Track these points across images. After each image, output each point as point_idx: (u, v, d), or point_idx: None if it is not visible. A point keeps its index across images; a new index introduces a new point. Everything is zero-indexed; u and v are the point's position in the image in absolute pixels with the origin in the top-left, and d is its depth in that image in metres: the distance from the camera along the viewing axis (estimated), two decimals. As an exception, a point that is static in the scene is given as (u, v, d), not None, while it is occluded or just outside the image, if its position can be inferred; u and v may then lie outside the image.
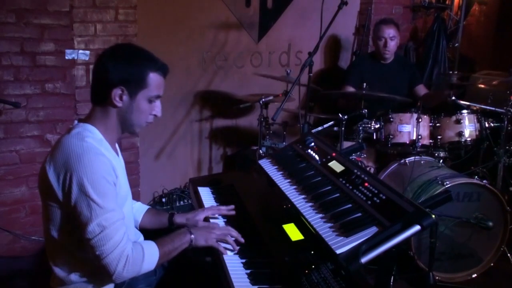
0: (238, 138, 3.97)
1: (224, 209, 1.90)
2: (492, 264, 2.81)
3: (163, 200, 3.46)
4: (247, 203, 1.97)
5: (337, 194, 1.70)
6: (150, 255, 1.49)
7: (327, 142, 2.13)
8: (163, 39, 3.41)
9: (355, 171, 1.77)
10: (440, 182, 2.71)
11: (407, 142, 3.05)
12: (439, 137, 3.07)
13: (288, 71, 3.30)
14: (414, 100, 3.39)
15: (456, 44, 4.29)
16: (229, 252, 1.62)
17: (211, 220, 1.85)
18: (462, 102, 3.17)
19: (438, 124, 3.08)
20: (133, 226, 1.79)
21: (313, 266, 1.42)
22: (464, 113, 3.08)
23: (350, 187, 1.69)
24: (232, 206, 1.91)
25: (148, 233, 1.81)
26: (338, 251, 1.40)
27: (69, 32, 2.94)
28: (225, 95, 3.82)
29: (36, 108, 2.93)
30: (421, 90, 3.62)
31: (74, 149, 1.42)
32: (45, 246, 1.59)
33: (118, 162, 1.60)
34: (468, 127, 3.07)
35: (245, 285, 1.43)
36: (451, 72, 3.54)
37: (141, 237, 1.79)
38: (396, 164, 3.10)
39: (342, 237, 1.45)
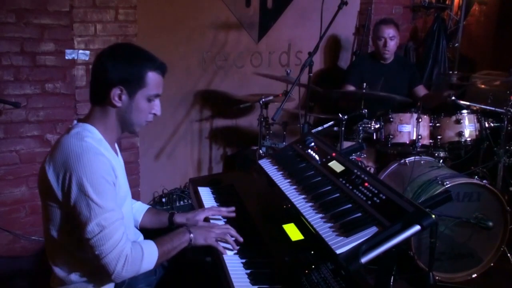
0: (238, 138, 3.97)
1: (225, 210, 1.89)
2: (492, 264, 2.81)
3: (163, 200, 3.46)
4: (247, 203, 1.97)
5: (337, 194, 1.70)
6: (149, 255, 1.50)
7: (327, 142, 2.13)
8: (163, 39, 3.41)
9: (355, 171, 1.77)
10: (440, 182, 2.71)
11: (407, 142, 3.05)
12: (439, 137, 3.07)
13: (288, 71, 3.30)
14: (414, 101, 3.39)
15: (456, 44, 4.29)
16: (229, 252, 1.62)
17: (212, 221, 1.85)
18: (462, 102, 3.17)
19: (438, 124, 3.08)
20: (133, 226, 1.79)
21: (313, 266, 1.42)
22: (464, 113, 3.08)
23: (350, 187, 1.69)
24: (233, 208, 1.90)
25: (148, 232, 1.81)
26: (338, 251, 1.40)
27: (69, 32, 2.94)
28: (225, 95, 3.82)
29: (36, 108, 2.93)
30: (421, 90, 3.62)
31: (73, 149, 1.42)
32: (45, 246, 1.59)
33: (117, 162, 1.60)
34: (468, 127, 3.07)
35: (245, 285, 1.43)
36: (451, 72, 3.55)
37: (141, 236, 1.79)
38: (396, 164, 3.10)
39: (342, 237, 1.45)
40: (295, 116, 3.72)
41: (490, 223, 2.64)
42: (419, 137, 2.99)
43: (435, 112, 3.16)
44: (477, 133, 3.09)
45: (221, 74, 3.79)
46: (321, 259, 1.44)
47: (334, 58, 4.32)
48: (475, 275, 2.81)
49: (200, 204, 2.02)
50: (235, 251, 1.63)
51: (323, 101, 3.97)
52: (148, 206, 1.93)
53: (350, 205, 1.61)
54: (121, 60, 1.51)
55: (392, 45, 3.49)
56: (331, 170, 1.86)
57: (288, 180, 1.95)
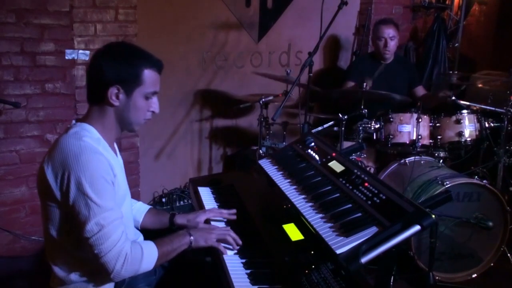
0: (238, 138, 3.97)
1: (226, 213, 1.88)
2: (492, 264, 2.81)
3: (163, 200, 3.46)
4: (247, 203, 1.97)
5: (337, 194, 1.70)
6: (148, 255, 1.49)
7: (327, 142, 2.13)
8: (163, 39, 3.41)
9: (355, 171, 1.77)
10: (440, 182, 2.71)
11: (407, 142, 3.05)
12: (439, 137, 3.07)
13: (288, 71, 3.30)
14: (413, 101, 3.39)
15: (456, 44, 4.29)
16: (229, 252, 1.62)
17: (212, 223, 1.85)
18: (462, 102, 3.17)
19: (438, 124, 3.08)
20: (132, 225, 1.79)
21: (313, 266, 1.42)
22: (464, 113, 3.08)
23: (350, 187, 1.69)
24: (234, 211, 1.89)
25: (148, 233, 1.81)
26: (338, 251, 1.40)
27: (69, 32, 2.94)
28: (225, 95, 3.82)
29: (36, 108, 2.93)
30: (420, 91, 3.63)
31: (71, 148, 1.42)
32: (44, 246, 1.59)
33: (116, 161, 1.60)
34: (468, 127, 3.07)
35: (245, 285, 1.43)
36: (451, 72, 3.54)
37: (141, 236, 1.79)
38: (396, 164, 3.10)
39: (342, 237, 1.45)
40: (295, 116, 3.72)
41: (490, 223, 2.63)
42: (419, 137, 2.99)
43: (435, 112, 3.16)
44: (477, 133, 3.09)
45: (221, 74, 3.79)
46: (321, 259, 1.44)
47: (334, 58, 4.32)
48: (475, 275, 2.81)
49: (200, 204, 2.02)
50: (235, 251, 1.63)
51: (323, 101, 3.97)
52: (149, 207, 1.93)
53: (350, 205, 1.61)
54: (117, 59, 1.51)
55: (392, 45, 3.50)
56: (331, 170, 1.86)
57: (288, 180, 1.95)
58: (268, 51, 3.96)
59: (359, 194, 1.63)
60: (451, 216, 2.66)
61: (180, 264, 1.77)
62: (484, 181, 2.80)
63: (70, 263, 1.52)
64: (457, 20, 4.38)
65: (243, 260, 1.57)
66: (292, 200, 1.77)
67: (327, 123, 3.07)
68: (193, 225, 1.81)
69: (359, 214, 1.54)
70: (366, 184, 1.66)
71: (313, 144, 2.12)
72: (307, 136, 2.22)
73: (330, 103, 3.89)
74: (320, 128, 3.06)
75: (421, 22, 4.43)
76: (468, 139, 3.07)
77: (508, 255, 2.92)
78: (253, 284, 1.43)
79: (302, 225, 1.65)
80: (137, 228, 1.85)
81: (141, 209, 1.89)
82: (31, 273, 2.86)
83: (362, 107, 2.99)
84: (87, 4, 2.97)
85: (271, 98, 3.29)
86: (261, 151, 3.24)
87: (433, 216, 1.38)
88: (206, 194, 2.13)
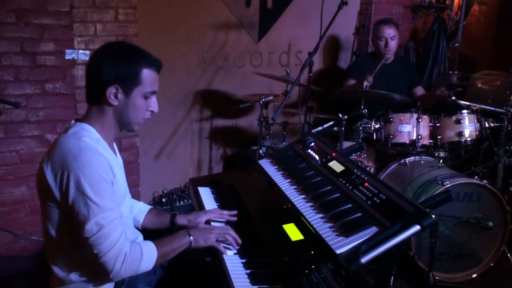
0: (238, 138, 3.97)
1: (227, 214, 1.88)
2: (492, 264, 2.81)
3: (163, 200, 3.46)
4: (247, 203, 1.97)
5: (337, 194, 1.70)
6: (148, 255, 1.49)
7: (327, 142, 2.13)
8: (163, 39, 3.41)
9: (355, 171, 1.77)
10: (440, 182, 2.71)
11: (407, 142, 3.05)
12: (439, 137, 3.07)
13: (288, 71, 3.30)
14: (413, 101, 3.39)
15: (456, 44, 4.29)
16: (229, 252, 1.62)
17: (213, 223, 1.85)
18: (462, 102, 3.17)
19: (438, 124, 3.08)
20: (132, 225, 1.79)
21: (313, 266, 1.42)
22: (464, 113, 3.08)
23: (350, 187, 1.69)
24: (235, 212, 1.89)
25: (148, 233, 1.81)
26: (338, 251, 1.40)
27: (69, 32, 2.94)
28: (225, 95, 3.82)
29: (36, 108, 2.93)
30: (419, 91, 3.63)
31: (71, 148, 1.42)
32: (44, 246, 1.59)
33: (115, 161, 1.60)
34: (468, 127, 3.07)
35: (245, 285, 1.43)
36: (451, 72, 3.54)
37: (140, 236, 1.79)
38: (396, 164, 3.10)
39: (342, 237, 1.45)
40: (295, 116, 3.72)
41: (490, 223, 2.63)
42: (419, 137, 2.99)
43: (435, 112, 3.16)
44: (477, 133, 3.09)
45: (221, 74, 3.79)
46: (321, 259, 1.44)
47: (334, 58, 4.32)
48: (475, 275, 2.81)
49: (200, 204, 2.02)
50: (235, 251, 1.63)
51: (323, 101, 3.97)
52: (150, 207, 1.92)
53: (350, 205, 1.61)
54: (115, 59, 1.50)
55: (393, 45, 3.50)
56: (331, 170, 1.86)
57: (288, 180, 1.95)
58: (268, 51, 3.96)
59: (359, 194, 1.63)
60: (451, 216, 2.66)
61: (180, 264, 1.76)
62: (484, 181, 2.80)
63: (70, 263, 1.52)
64: (457, 20, 4.38)
65: (243, 260, 1.57)
66: (292, 200, 1.77)
67: (327, 123, 3.07)
68: (193, 226, 1.81)
69: (359, 214, 1.54)
70: (366, 184, 1.66)
71: (313, 144, 2.12)
72: (307, 136, 2.22)
73: (330, 103, 3.90)
74: (320, 128, 3.06)
75: (421, 22, 4.43)
76: (468, 139, 3.07)
77: (508, 255, 2.92)
78: (253, 284, 1.43)
79: (302, 225, 1.65)
80: (138, 228, 1.85)
81: (142, 209, 1.89)
82: (31, 273, 2.86)
83: (362, 107, 3.00)
84: (87, 4, 2.97)
85: (271, 98, 3.29)
86: (261, 151, 3.24)
87: (433, 216, 1.38)
88: (206, 194, 2.13)
